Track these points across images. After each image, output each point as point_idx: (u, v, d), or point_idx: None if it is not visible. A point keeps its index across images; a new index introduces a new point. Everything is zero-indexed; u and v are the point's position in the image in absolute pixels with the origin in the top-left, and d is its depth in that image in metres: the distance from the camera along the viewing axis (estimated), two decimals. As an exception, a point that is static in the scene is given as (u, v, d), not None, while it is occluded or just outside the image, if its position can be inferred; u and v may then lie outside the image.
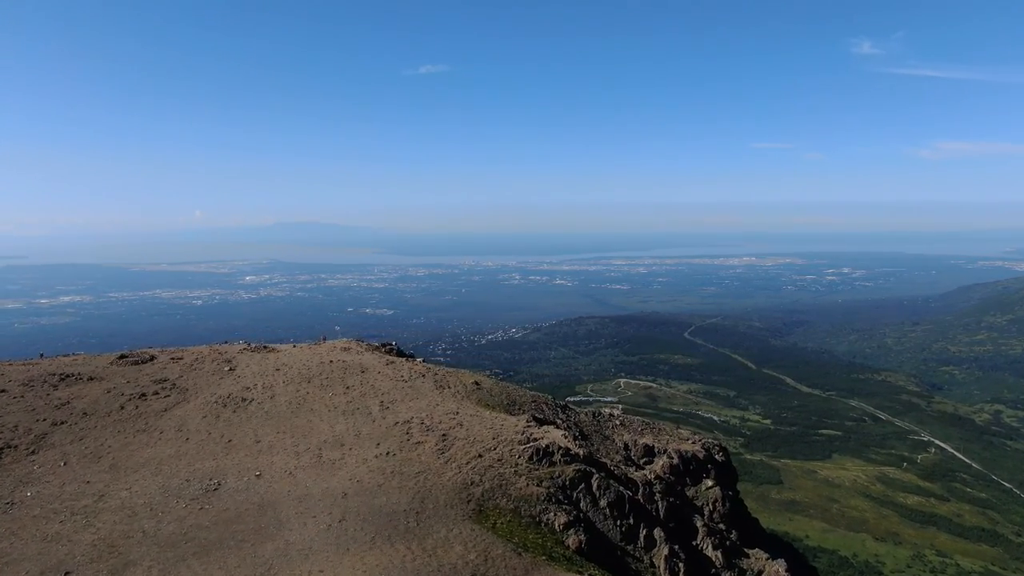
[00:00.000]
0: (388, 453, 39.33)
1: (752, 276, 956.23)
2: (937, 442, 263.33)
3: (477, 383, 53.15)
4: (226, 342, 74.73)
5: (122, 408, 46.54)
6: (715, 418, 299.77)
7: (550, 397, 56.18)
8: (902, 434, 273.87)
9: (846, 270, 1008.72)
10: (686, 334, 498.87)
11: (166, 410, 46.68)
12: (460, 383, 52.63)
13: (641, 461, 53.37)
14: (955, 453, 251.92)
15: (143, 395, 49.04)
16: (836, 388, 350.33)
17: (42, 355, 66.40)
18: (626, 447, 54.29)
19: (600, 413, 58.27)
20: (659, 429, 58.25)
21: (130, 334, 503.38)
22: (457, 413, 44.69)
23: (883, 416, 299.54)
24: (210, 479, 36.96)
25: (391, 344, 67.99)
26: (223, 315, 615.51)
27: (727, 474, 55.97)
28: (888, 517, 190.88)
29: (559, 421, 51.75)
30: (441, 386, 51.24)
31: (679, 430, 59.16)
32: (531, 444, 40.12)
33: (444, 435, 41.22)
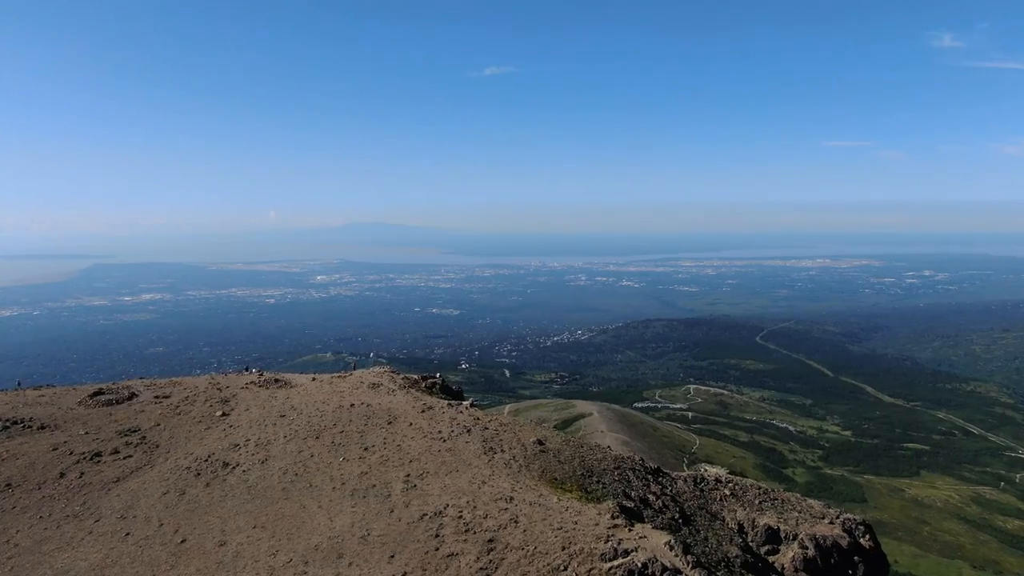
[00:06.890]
0: (404, 575, 25.94)
1: (826, 278, 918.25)
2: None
3: (540, 442, 39.22)
4: (247, 368, 63.77)
5: (61, 477, 34.38)
6: (791, 428, 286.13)
7: (638, 458, 42.05)
8: (997, 450, 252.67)
9: (927, 272, 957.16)
10: (758, 338, 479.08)
11: (118, 480, 34.30)
12: (517, 443, 38.70)
13: (763, 551, 39.04)
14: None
15: (97, 455, 36.89)
16: (921, 398, 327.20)
17: (19, 383, 55.55)
18: (741, 528, 40.04)
19: (703, 479, 43.84)
20: (782, 500, 43.58)
21: (205, 331, 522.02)
22: (511, 499, 30.94)
23: (975, 430, 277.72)
24: (130, 622, 24.18)
25: (434, 378, 54.29)
26: (295, 313, 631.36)
27: (878, 567, 41.16)
28: (987, 543, 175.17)
29: (651, 497, 37.68)
30: (491, 448, 37.49)
31: (808, 501, 44.29)
32: (620, 562, 26.14)
33: (490, 541, 27.63)
